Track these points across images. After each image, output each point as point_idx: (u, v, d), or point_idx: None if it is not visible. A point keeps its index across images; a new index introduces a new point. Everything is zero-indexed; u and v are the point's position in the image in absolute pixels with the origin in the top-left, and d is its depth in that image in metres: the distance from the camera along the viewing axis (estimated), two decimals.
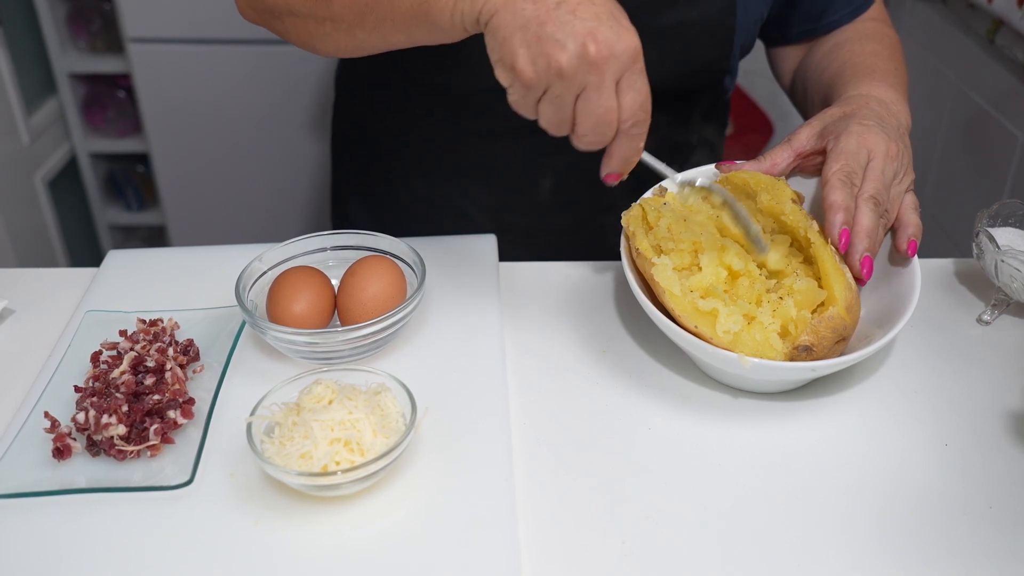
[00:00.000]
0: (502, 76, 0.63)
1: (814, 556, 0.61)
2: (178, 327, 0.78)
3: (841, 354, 0.71)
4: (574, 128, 0.64)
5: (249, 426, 0.63)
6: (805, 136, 0.80)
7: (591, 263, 0.90)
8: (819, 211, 0.75)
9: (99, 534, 0.61)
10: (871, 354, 0.69)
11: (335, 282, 0.78)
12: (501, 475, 0.65)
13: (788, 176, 0.81)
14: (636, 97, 0.63)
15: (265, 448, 0.62)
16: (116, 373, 0.70)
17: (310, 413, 0.63)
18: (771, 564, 0.61)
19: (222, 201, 2.13)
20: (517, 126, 0.94)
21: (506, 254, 0.90)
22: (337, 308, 0.77)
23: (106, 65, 2.04)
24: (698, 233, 0.74)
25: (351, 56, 0.76)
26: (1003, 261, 0.79)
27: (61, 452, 0.66)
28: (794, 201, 0.76)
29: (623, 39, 0.61)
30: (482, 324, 0.79)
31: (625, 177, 0.69)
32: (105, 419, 0.65)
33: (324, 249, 0.82)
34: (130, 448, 0.66)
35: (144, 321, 0.77)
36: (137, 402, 0.67)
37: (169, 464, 0.66)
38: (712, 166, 0.82)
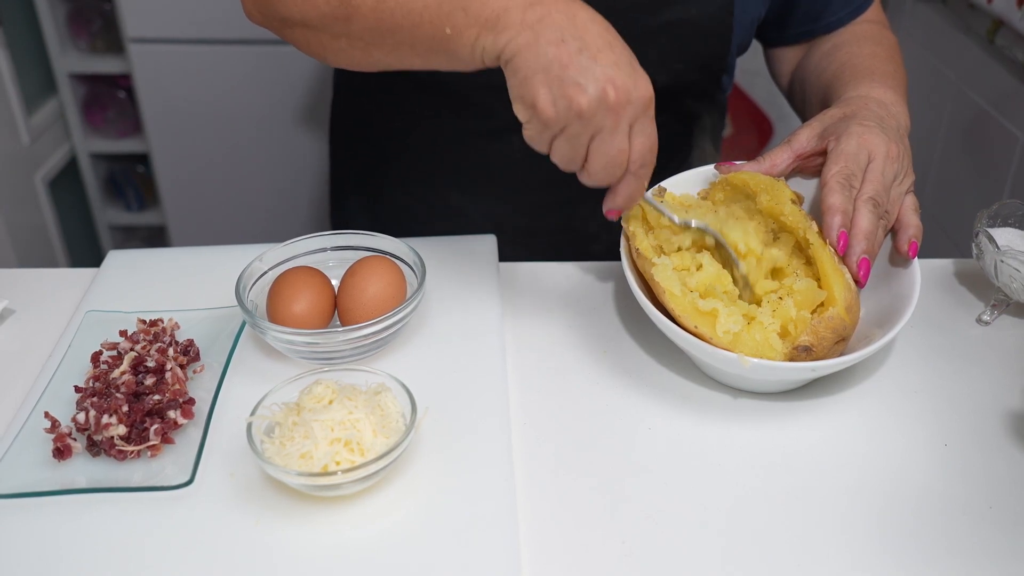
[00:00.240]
0: (521, 112, 0.65)
1: (814, 556, 0.62)
2: (178, 327, 0.78)
3: (841, 354, 0.71)
4: (585, 165, 0.67)
5: (249, 426, 0.63)
6: (805, 137, 0.80)
7: (591, 263, 0.90)
8: (818, 212, 0.75)
9: (99, 534, 0.61)
10: (871, 354, 0.69)
11: (335, 282, 0.78)
12: (501, 475, 0.65)
13: (788, 177, 0.81)
14: (646, 142, 0.66)
15: (265, 448, 0.62)
16: (116, 373, 0.70)
17: (310, 413, 0.63)
18: (771, 564, 0.61)
19: (222, 201, 2.13)
20: (515, 126, 0.94)
21: (505, 254, 0.90)
22: (337, 308, 0.77)
23: (106, 65, 2.04)
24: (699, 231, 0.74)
25: (361, 71, 0.77)
26: (1003, 261, 0.79)
27: (61, 452, 0.66)
28: (793, 202, 0.76)
29: (639, 87, 0.64)
30: (482, 324, 0.79)
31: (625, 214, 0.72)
32: (105, 419, 0.65)
33: (324, 249, 0.82)
34: (130, 448, 0.66)
35: (144, 321, 0.77)
36: (137, 402, 0.67)
37: (169, 464, 0.66)
38: (711, 167, 0.82)
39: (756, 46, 1.06)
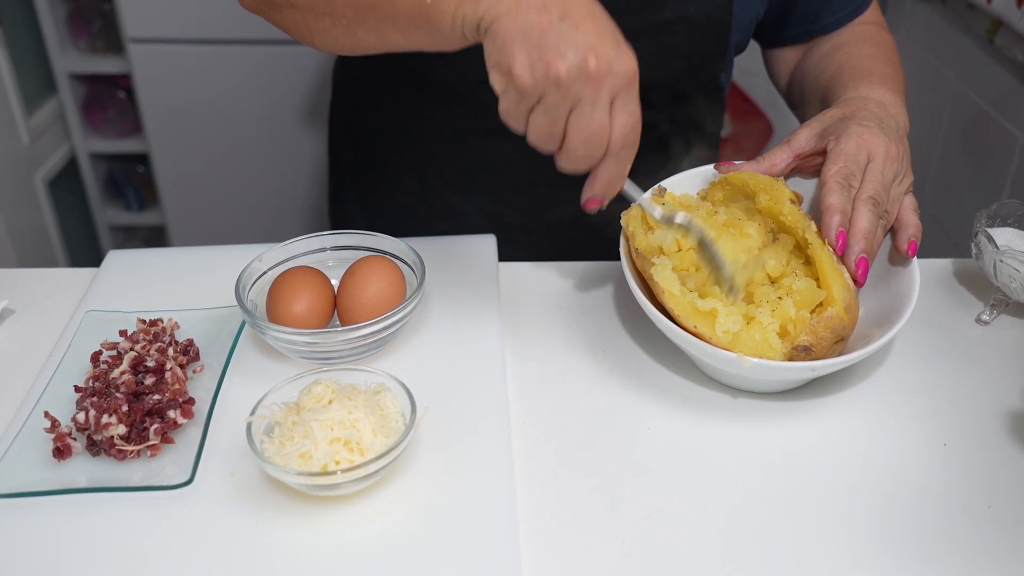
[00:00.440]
0: (497, 81, 0.63)
1: (814, 556, 0.62)
2: (178, 327, 0.78)
3: (840, 354, 0.71)
4: (563, 143, 0.64)
5: (249, 426, 0.63)
6: (804, 137, 0.80)
7: (591, 263, 0.90)
8: (818, 212, 0.75)
9: (99, 534, 0.61)
10: (870, 354, 0.69)
11: (335, 282, 0.78)
12: (501, 475, 0.65)
13: (787, 177, 0.81)
14: (628, 120, 0.64)
15: (265, 448, 0.63)
16: (116, 373, 0.70)
17: (310, 413, 0.63)
18: (771, 564, 0.61)
19: (222, 201, 2.13)
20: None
21: (503, 253, 0.90)
22: (337, 308, 0.77)
23: (106, 65, 2.05)
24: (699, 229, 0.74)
25: (348, 54, 0.76)
26: (1002, 261, 0.79)
27: (61, 452, 0.66)
28: (793, 201, 0.77)
29: (623, 59, 0.62)
30: (482, 324, 0.79)
31: (604, 206, 0.69)
32: (105, 419, 0.65)
33: (324, 249, 0.82)
34: (130, 448, 0.66)
35: (144, 321, 0.77)
36: (137, 402, 0.68)
37: (169, 464, 0.66)
38: (711, 166, 0.82)
39: (755, 46, 1.06)
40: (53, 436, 0.66)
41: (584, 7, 0.61)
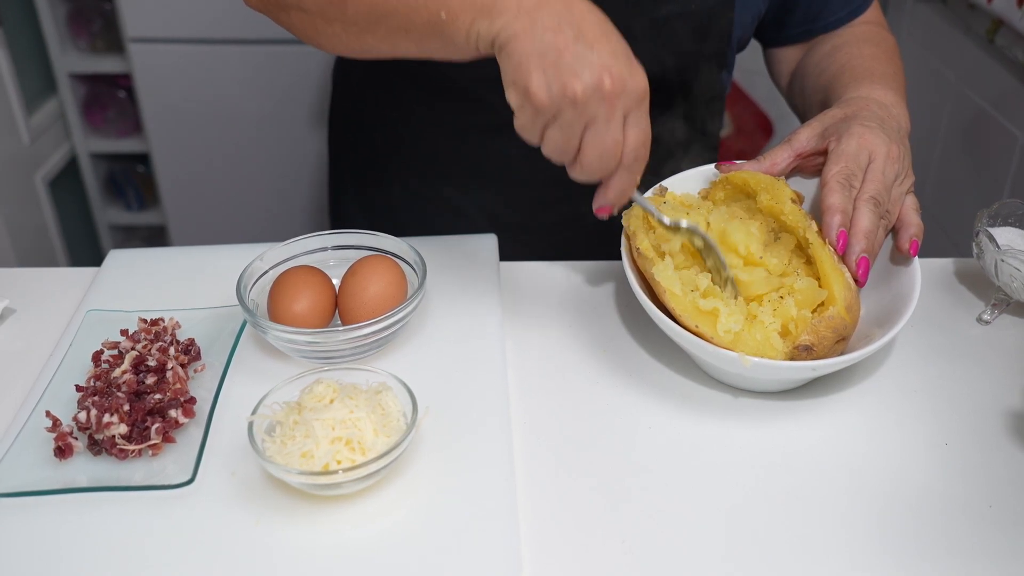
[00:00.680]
0: (513, 98, 0.64)
1: (814, 555, 0.62)
2: (179, 326, 0.78)
3: (841, 354, 0.71)
4: (578, 157, 0.66)
5: (250, 425, 0.63)
6: (805, 136, 0.80)
7: (592, 263, 0.90)
8: (819, 212, 0.75)
9: (100, 533, 0.61)
10: (871, 353, 0.69)
11: (336, 282, 0.78)
12: (502, 474, 0.65)
13: (788, 176, 0.81)
14: (640, 135, 0.66)
15: (266, 447, 0.63)
16: (117, 372, 0.70)
17: (311, 412, 0.63)
18: (771, 563, 0.61)
19: (222, 201, 2.13)
20: (506, 119, 0.94)
21: (503, 250, 0.90)
22: (338, 307, 0.77)
23: (106, 65, 2.05)
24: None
25: (355, 57, 0.77)
26: (1003, 261, 0.79)
27: (63, 451, 0.66)
28: (794, 201, 0.77)
29: (635, 77, 0.63)
30: (483, 324, 0.80)
31: (615, 213, 0.71)
32: (107, 418, 0.65)
33: (325, 248, 0.82)
34: (131, 447, 0.66)
35: (145, 320, 0.77)
36: (138, 401, 0.68)
37: (170, 463, 0.66)
38: (712, 166, 0.82)
39: (756, 45, 1.06)
40: (54, 435, 0.66)
41: (597, 27, 0.63)
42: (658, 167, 0.83)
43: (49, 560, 0.59)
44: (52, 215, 2.07)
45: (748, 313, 0.70)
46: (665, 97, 0.93)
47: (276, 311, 0.74)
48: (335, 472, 0.60)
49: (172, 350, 0.73)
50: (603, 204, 0.70)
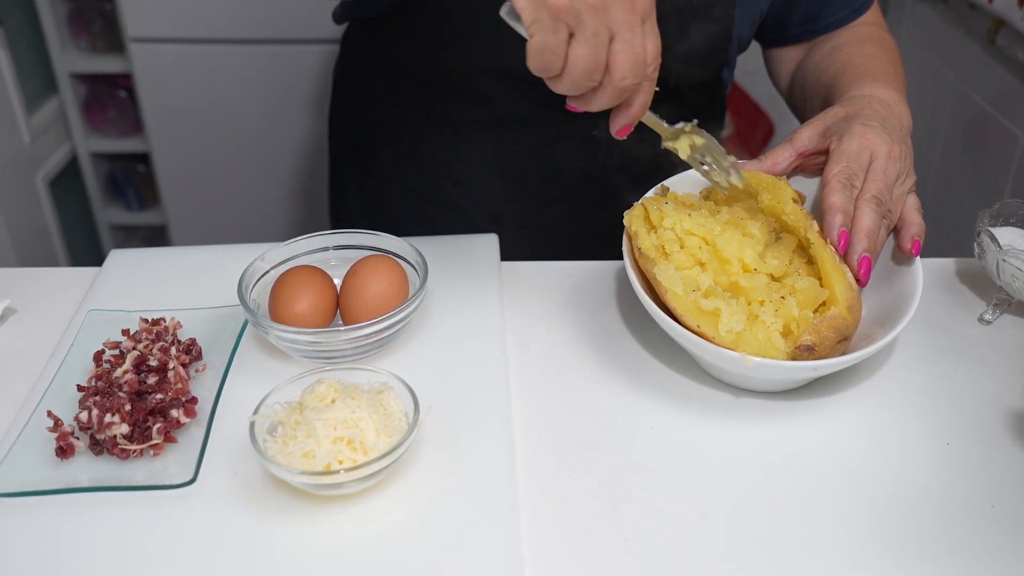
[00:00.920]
0: (526, 9, 0.58)
1: (815, 555, 0.62)
2: (180, 326, 0.78)
3: (843, 353, 0.71)
4: (608, 72, 0.61)
5: (252, 425, 0.63)
6: (807, 136, 0.80)
7: (593, 262, 0.90)
8: (820, 212, 0.75)
9: (102, 533, 0.61)
10: (873, 353, 0.69)
11: (337, 281, 0.78)
12: (503, 474, 0.65)
13: (789, 176, 0.81)
14: (657, 41, 0.63)
15: (268, 447, 0.63)
16: (119, 372, 0.70)
17: (313, 412, 0.63)
18: (772, 563, 0.61)
19: (223, 201, 2.13)
20: (511, 116, 0.94)
21: (503, 248, 0.90)
22: (339, 307, 0.77)
23: (107, 65, 2.04)
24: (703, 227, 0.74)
25: None
26: (1005, 260, 0.79)
27: (64, 451, 0.66)
28: (795, 201, 0.77)
29: None
30: (484, 323, 0.80)
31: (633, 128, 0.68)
32: (108, 418, 0.65)
33: (326, 248, 0.82)
34: (133, 447, 0.66)
35: (146, 320, 0.77)
36: (140, 401, 0.68)
37: (172, 463, 0.66)
38: None
39: (756, 45, 1.06)
40: (56, 435, 0.66)
41: None
42: (658, 168, 0.83)
43: (50, 560, 0.59)
44: (52, 215, 2.07)
45: (750, 313, 0.70)
46: (666, 94, 0.93)
47: (277, 311, 0.74)
48: (337, 472, 0.60)
49: (173, 350, 0.73)
50: (627, 122, 0.66)
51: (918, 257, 0.76)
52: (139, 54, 1.93)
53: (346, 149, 1.11)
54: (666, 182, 0.81)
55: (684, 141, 0.75)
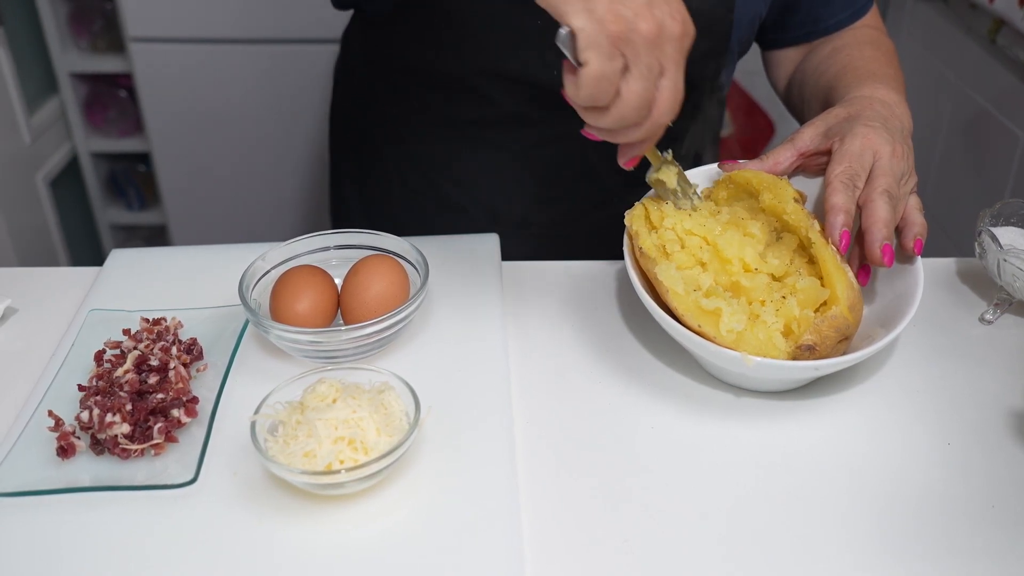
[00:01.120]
0: (585, 30, 0.57)
1: (815, 555, 0.62)
2: (181, 326, 0.78)
3: (844, 353, 0.71)
4: (654, 109, 0.61)
5: (253, 425, 0.63)
6: (809, 136, 0.80)
7: (593, 262, 0.90)
8: (822, 211, 0.75)
9: (103, 533, 0.61)
10: (874, 353, 0.69)
11: (338, 281, 0.78)
12: (504, 474, 0.65)
13: (791, 176, 0.81)
14: (682, 78, 0.63)
15: (269, 447, 0.63)
16: (120, 372, 0.70)
17: (314, 412, 0.63)
18: (772, 563, 0.61)
19: (224, 200, 2.13)
20: (511, 116, 0.95)
21: (503, 248, 0.90)
22: (340, 307, 0.77)
23: (107, 65, 2.05)
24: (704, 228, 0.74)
25: None
26: (1005, 260, 0.79)
27: (65, 451, 0.66)
28: (796, 200, 0.77)
29: (688, 23, 0.61)
30: (485, 323, 0.80)
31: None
32: (109, 418, 0.65)
33: (327, 248, 0.82)
34: (134, 447, 0.66)
35: (147, 320, 0.77)
36: (141, 401, 0.68)
37: (173, 463, 0.66)
38: (715, 165, 0.82)
39: (755, 46, 1.06)
40: (57, 435, 0.66)
41: None
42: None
43: (51, 560, 0.59)
44: (53, 215, 2.07)
45: (751, 313, 0.70)
46: None
47: (278, 311, 0.74)
48: (338, 472, 0.60)
49: (174, 350, 0.73)
50: (637, 154, 0.67)
51: (919, 257, 0.76)
52: (139, 54, 1.93)
53: (346, 149, 1.11)
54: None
55: (669, 171, 0.76)
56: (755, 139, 2.13)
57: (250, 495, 0.64)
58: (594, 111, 0.62)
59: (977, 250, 0.83)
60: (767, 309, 0.71)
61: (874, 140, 0.76)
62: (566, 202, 1.02)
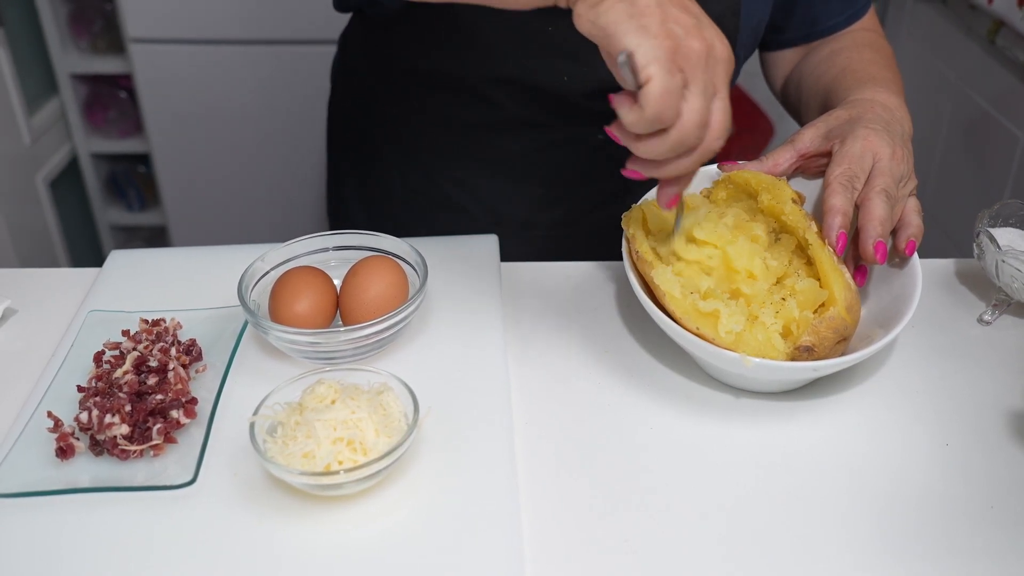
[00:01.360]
0: (645, 44, 0.56)
1: (814, 555, 0.62)
2: (181, 327, 0.78)
3: (842, 354, 0.71)
4: (708, 132, 0.60)
5: (252, 425, 0.63)
6: (809, 137, 0.80)
7: (593, 263, 0.90)
8: (820, 213, 0.75)
9: (102, 533, 0.61)
10: (872, 354, 0.70)
11: (337, 282, 0.78)
12: (504, 474, 0.65)
13: (790, 177, 0.81)
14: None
15: (268, 447, 0.63)
16: (119, 373, 0.70)
17: (313, 413, 0.63)
18: (772, 563, 0.61)
19: (223, 201, 2.13)
20: (513, 118, 0.94)
21: (503, 247, 0.90)
22: (339, 308, 0.77)
23: (107, 65, 2.05)
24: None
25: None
26: (1004, 261, 0.79)
27: (64, 452, 0.66)
28: (795, 201, 0.77)
29: (729, 47, 0.61)
30: (484, 324, 0.80)
31: None
32: (108, 419, 0.65)
33: (326, 249, 0.82)
34: (133, 448, 0.66)
35: (147, 321, 0.77)
36: (140, 402, 0.68)
37: (172, 464, 0.66)
38: (714, 165, 0.82)
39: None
40: (56, 436, 0.66)
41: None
42: None
43: (50, 560, 0.59)
44: (53, 215, 2.07)
45: (749, 314, 0.70)
46: None
47: (277, 312, 0.74)
48: (337, 473, 0.60)
49: (173, 351, 0.73)
50: (677, 191, 0.66)
51: (917, 258, 0.76)
52: (139, 54, 1.93)
53: (346, 149, 1.11)
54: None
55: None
56: (755, 140, 2.13)
57: (249, 496, 0.64)
58: (651, 139, 0.60)
59: (976, 251, 0.83)
60: (766, 310, 0.71)
61: (874, 142, 0.76)
62: (567, 203, 1.02)
